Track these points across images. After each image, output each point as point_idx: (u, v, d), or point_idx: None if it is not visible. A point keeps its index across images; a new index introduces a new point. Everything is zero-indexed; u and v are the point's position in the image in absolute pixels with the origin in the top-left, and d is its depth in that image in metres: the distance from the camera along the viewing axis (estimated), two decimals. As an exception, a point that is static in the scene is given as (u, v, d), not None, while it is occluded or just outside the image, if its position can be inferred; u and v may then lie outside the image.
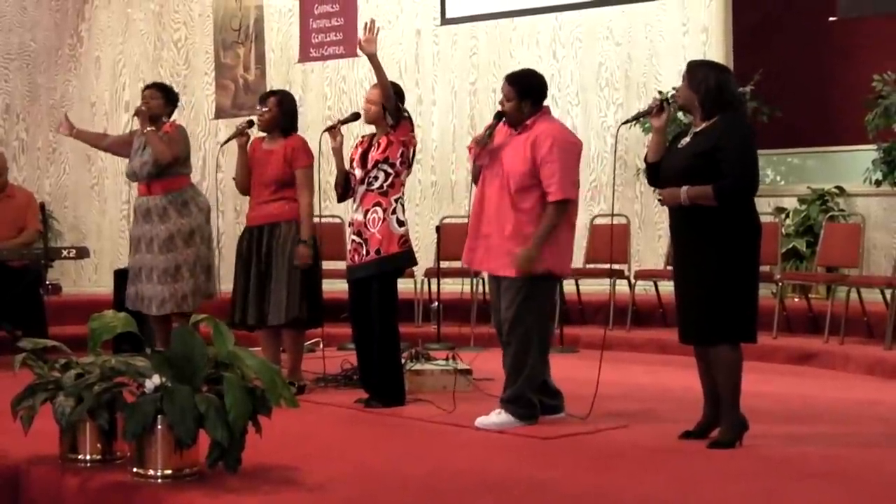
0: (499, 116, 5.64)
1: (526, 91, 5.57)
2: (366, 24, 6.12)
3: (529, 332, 5.46)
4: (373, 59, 6.01)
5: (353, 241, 6.21)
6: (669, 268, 8.93)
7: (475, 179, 5.77)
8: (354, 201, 6.24)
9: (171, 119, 7.28)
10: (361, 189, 6.17)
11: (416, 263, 6.43)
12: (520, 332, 5.46)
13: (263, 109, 6.68)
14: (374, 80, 6.17)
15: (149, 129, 7.02)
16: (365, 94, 6.35)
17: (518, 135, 5.55)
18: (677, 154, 5.09)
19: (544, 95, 5.63)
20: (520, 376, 5.47)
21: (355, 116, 6.42)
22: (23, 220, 8.34)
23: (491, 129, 5.62)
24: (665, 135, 5.24)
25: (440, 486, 4.34)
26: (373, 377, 6.17)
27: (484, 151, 5.62)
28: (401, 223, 6.14)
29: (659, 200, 5.20)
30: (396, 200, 6.14)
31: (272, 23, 11.42)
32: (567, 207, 5.48)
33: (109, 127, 11.41)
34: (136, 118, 7.16)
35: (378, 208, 6.10)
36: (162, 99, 7.19)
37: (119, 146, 7.60)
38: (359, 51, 6.31)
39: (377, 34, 6.03)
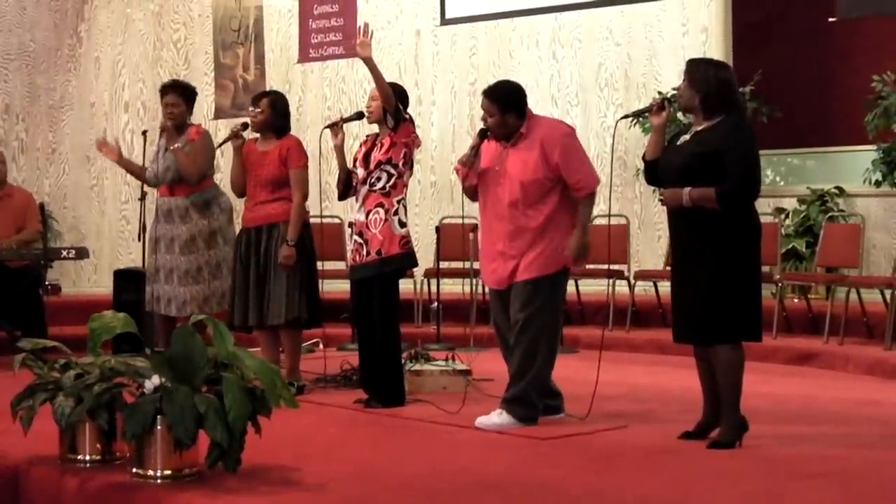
0: (483, 134, 5.61)
1: (508, 105, 5.54)
2: (359, 27, 6.11)
3: (539, 335, 5.46)
4: (368, 62, 6.00)
5: (355, 241, 6.20)
6: (669, 268, 8.93)
7: (468, 194, 5.76)
8: (357, 201, 6.23)
9: (198, 124, 7.22)
10: (364, 189, 6.16)
11: (416, 264, 6.42)
12: (530, 334, 5.45)
13: (256, 111, 6.67)
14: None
15: (175, 146, 6.92)
16: (370, 93, 6.34)
17: (514, 146, 5.54)
18: (676, 152, 5.08)
19: (526, 104, 5.61)
20: (524, 378, 5.46)
21: (359, 115, 6.41)
22: (22, 219, 8.34)
23: (476, 148, 5.60)
24: (664, 133, 5.23)
25: (440, 486, 4.34)
26: (373, 377, 6.17)
27: (472, 171, 5.61)
28: (402, 224, 6.13)
29: (660, 200, 5.20)
30: (399, 201, 6.13)
31: (272, 23, 11.42)
32: (595, 196, 5.58)
33: (109, 127, 11.43)
34: (163, 133, 7.08)
35: (380, 209, 6.10)
36: (184, 104, 7.10)
37: None
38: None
39: (371, 37, 6.02)
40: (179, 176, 6.98)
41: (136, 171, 7.49)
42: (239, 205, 6.97)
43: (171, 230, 7.03)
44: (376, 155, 6.13)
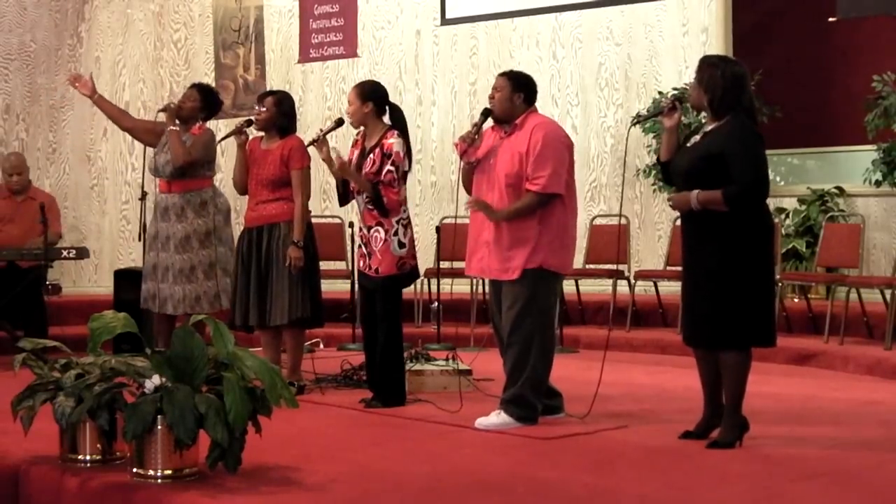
0: (486, 114, 5.63)
1: (519, 85, 5.57)
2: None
3: (530, 334, 5.46)
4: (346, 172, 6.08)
5: (361, 247, 6.25)
6: (669, 268, 8.95)
7: (464, 181, 5.76)
8: (358, 206, 6.23)
9: (201, 124, 7.22)
10: (362, 203, 6.15)
11: (417, 276, 6.41)
12: (521, 333, 5.45)
13: (261, 109, 6.67)
14: (358, 82, 6.39)
15: (172, 127, 6.97)
16: (348, 97, 6.32)
17: (508, 136, 5.55)
18: (684, 154, 5.07)
19: (535, 97, 5.62)
20: (520, 377, 5.47)
21: (339, 123, 6.42)
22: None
23: (478, 127, 5.62)
24: (677, 134, 5.21)
25: (440, 486, 4.34)
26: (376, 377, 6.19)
27: (471, 149, 5.62)
28: (402, 245, 6.09)
29: (669, 205, 5.19)
30: (398, 221, 6.11)
31: (272, 23, 11.42)
32: (548, 203, 5.43)
33: (110, 127, 11.41)
34: (162, 113, 7.09)
35: (380, 228, 6.09)
36: (199, 103, 7.11)
37: (141, 133, 7.51)
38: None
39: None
40: (177, 169, 6.97)
41: (114, 114, 7.60)
42: (240, 204, 6.96)
43: (167, 228, 7.05)
44: (367, 170, 6.10)
